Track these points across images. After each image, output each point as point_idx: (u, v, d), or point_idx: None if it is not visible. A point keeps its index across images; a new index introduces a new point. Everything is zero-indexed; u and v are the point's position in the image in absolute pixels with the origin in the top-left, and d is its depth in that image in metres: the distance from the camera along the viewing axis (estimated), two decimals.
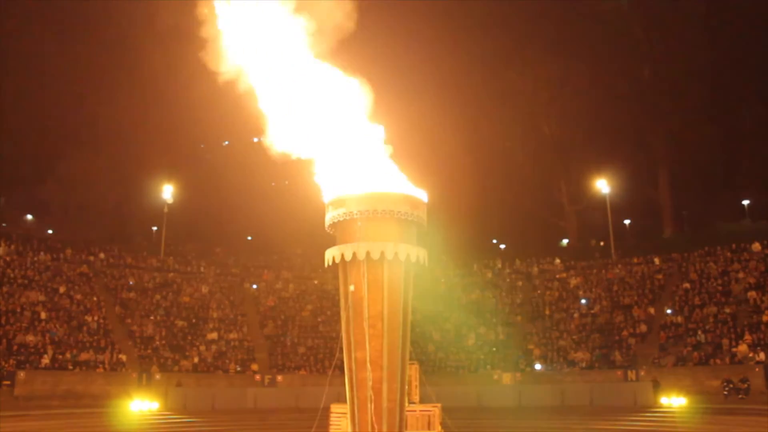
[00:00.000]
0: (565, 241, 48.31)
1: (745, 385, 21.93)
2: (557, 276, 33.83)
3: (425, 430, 13.08)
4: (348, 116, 10.73)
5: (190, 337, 29.82)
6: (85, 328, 27.60)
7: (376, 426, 9.81)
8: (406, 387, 10.66)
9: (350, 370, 10.23)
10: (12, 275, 28.59)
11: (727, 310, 26.60)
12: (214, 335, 30.33)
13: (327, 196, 10.58)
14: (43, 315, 27.17)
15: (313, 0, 10.59)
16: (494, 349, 29.54)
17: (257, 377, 28.35)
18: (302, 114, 10.68)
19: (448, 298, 33.02)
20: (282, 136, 10.77)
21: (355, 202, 10.18)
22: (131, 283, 31.96)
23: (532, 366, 28.23)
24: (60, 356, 25.66)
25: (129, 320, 29.49)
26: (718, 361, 24.43)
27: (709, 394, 22.60)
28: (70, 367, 25.41)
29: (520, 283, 34.34)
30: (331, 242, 10.63)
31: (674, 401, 21.41)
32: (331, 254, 10.42)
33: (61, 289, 29.22)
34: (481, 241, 45.05)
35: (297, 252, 40.27)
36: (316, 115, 10.66)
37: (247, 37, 10.70)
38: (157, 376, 26.43)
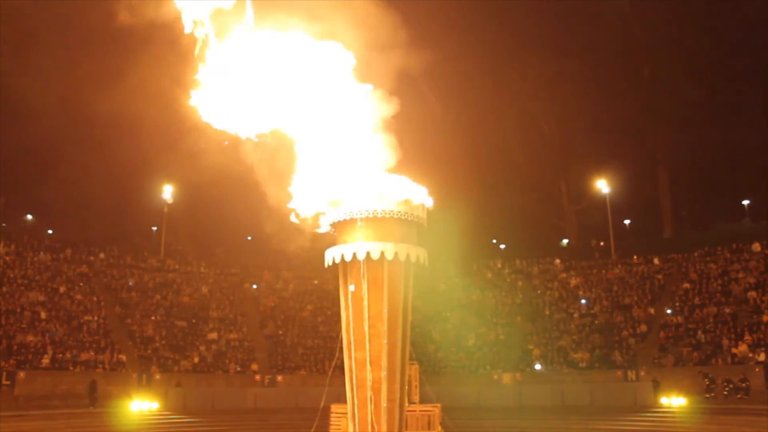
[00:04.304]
0: (565, 241, 48.25)
1: (745, 385, 21.92)
2: (557, 276, 33.82)
3: (425, 430, 13.08)
4: (349, 117, 10.73)
5: (190, 337, 29.81)
6: (85, 328, 27.59)
7: (376, 426, 9.81)
8: (406, 387, 10.65)
9: (350, 370, 10.22)
10: (12, 275, 28.58)
11: (727, 310, 26.59)
12: (214, 335, 30.32)
13: (327, 196, 10.57)
14: (43, 315, 27.16)
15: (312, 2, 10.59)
16: (494, 349, 29.55)
17: (257, 377, 28.36)
18: (304, 114, 10.68)
19: (448, 298, 33.00)
20: (284, 135, 10.78)
21: (355, 202, 10.17)
22: (131, 283, 31.94)
23: (532, 366, 28.21)
24: (60, 356, 25.65)
25: (129, 320, 29.47)
26: (718, 361, 24.43)
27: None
28: (70, 368, 25.40)
29: (520, 283, 34.31)
30: (331, 242, 10.61)
31: (674, 401, 21.40)
32: (331, 254, 10.41)
33: (61, 289, 29.21)
34: (481, 241, 44.96)
35: (297, 252, 40.12)
36: (318, 116, 10.66)
37: (249, 38, 10.70)
38: (157, 376, 26.43)
